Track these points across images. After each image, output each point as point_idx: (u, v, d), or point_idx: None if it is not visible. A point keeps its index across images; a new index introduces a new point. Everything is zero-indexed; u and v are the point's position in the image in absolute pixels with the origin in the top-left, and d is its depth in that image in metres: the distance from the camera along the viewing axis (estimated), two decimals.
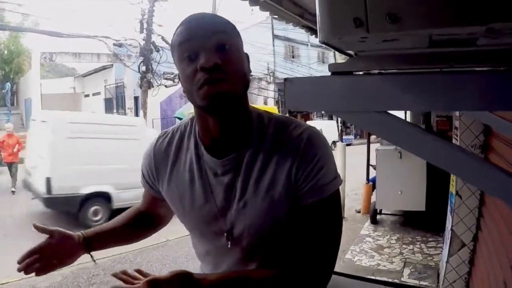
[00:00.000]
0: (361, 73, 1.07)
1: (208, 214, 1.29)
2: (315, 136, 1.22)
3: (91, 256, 1.55)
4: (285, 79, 1.06)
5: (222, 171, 1.26)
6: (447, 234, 4.62)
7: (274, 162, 1.21)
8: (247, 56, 1.25)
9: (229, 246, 1.28)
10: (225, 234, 1.27)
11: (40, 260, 1.38)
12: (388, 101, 0.94)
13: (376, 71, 1.05)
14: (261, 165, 1.22)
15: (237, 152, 1.24)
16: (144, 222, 1.64)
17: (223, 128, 1.22)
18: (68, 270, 5.89)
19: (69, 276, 5.78)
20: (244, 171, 1.23)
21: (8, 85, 28.79)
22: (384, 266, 5.92)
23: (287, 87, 1.06)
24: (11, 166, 12.25)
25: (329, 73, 1.03)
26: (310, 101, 1.05)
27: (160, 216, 1.63)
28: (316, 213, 1.19)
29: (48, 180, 8.20)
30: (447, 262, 4.41)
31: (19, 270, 1.37)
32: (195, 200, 1.30)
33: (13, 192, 11.87)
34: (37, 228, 1.41)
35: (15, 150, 12.22)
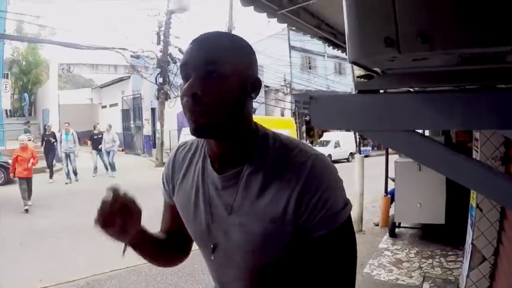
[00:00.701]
0: (382, 91, 1.05)
1: (206, 227, 1.30)
2: (319, 164, 1.17)
3: (125, 248, 1.32)
4: (311, 97, 1.04)
5: (222, 186, 1.26)
6: (468, 248, 4.56)
7: (275, 185, 1.18)
8: (257, 80, 1.20)
9: (214, 259, 1.30)
10: (217, 248, 1.28)
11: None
12: (417, 120, 0.92)
13: (403, 89, 1.03)
14: (260, 186, 1.20)
15: (237, 170, 1.24)
16: (177, 240, 1.54)
17: (222, 148, 1.23)
18: (83, 281, 5.95)
19: (84, 286, 5.81)
20: (242, 189, 1.22)
21: (26, 95, 29.24)
22: (403, 280, 5.82)
23: (312, 105, 1.05)
24: (26, 182, 11.03)
25: (354, 91, 1.02)
26: (336, 119, 1.04)
27: (187, 235, 1.48)
28: (328, 245, 1.15)
29: None
30: (467, 276, 4.35)
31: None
32: (198, 211, 1.32)
33: (26, 210, 10.67)
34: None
35: (29, 165, 11.09)
